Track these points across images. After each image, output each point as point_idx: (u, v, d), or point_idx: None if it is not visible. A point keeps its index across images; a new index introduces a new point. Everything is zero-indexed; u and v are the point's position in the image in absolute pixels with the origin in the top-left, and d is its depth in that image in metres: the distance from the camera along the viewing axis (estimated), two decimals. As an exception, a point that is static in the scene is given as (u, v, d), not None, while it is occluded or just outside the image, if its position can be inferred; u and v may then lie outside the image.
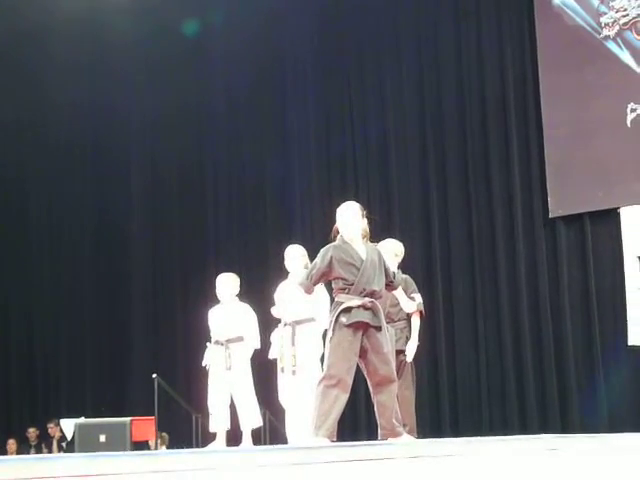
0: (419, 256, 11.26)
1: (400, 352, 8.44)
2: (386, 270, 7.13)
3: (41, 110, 14.86)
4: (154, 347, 13.78)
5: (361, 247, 7.01)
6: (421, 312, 8.60)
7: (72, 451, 11.93)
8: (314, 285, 7.15)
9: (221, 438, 9.51)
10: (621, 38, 10.76)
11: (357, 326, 6.85)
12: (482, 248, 11.39)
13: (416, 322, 8.51)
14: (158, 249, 14.17)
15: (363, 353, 6.90)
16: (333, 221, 7.17)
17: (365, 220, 7.12)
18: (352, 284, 6.90)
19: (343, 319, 6.83)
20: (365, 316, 6.87)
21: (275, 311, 8.85)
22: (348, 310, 6.84)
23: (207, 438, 10.20)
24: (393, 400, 6.98)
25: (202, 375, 9.88)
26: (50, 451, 13.27)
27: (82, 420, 11.77)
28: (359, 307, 6.85)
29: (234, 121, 13.55)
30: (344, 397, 6.86)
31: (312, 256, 8.28)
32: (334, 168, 12.67)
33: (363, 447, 6.26)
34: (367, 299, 6.88)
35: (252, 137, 13.37)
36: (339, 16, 12.81)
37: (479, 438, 8.24)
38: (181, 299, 13.56)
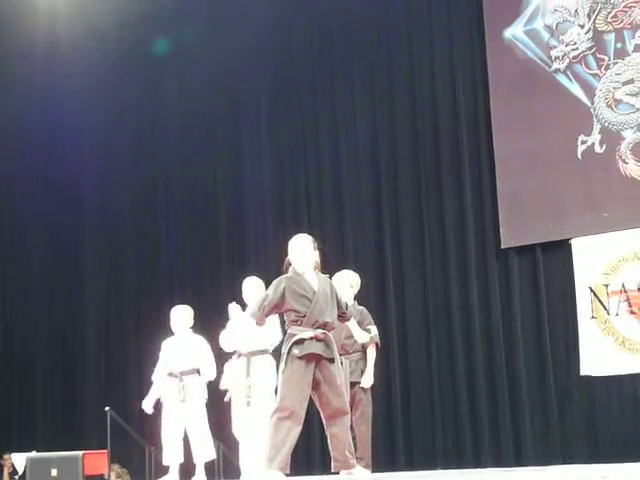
0: (372, 287, 11.27)
1: (354, 384, 8.44)
2: (338, 301, 7.14)
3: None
4: (106, 379, 13.67)
5: (313, 278, 7.02)
6: (377, 344, 8.61)
7: (23, 485, 11.81)
8: (266, 317, 7.14)
9: (174, 471, 9.47)
10: (571, 71, 10.89)
11: (310, 358, 6.85)
12: (435, 278, 11.42)
13: (372, 354, 8.52)
14: (111, 282, 14.08)
15: (316, 385, 6.89)
16: (286, 253, 7.18)
17: (317, 252, 7.13)
18: (304, 316, 6.90)
19: (295, 351, 6.82)
20: (318, 348, 6.87)
21: (224, 344, 8.83)
22: (300, 342, 6.84)
23: (160, 471, 10.13)
24: (346, 432, 6.97)
25: (156, 407, 9.83)
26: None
27: (33, 454, 11.64)
28: (312, 339, 6.85)
29: (187, 151, 13.53)
30: (297, 429, 6.84)
31: (267, 288, 8.29)
32: (288, 200, 12.67)
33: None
34: (320, 331, 6.88)
35: (205, 168, 13.36)
36: (292, 41, 12.83)
37: (430, 472, 8.26)
38: (134, 331, 13.48)
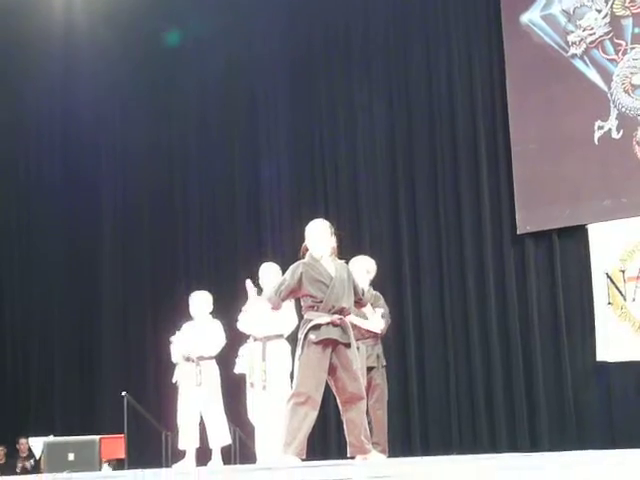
0: (389, 273, 11.27)
1: (371, 369, 8.46)
2: (355, 287, 7.16)
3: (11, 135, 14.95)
4: (124, 364, 13.71)
5: (330, 264, 7.04)
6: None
7: (38, 470, 11.88)
8: (282, 301, 7.17)
9: (190, 456, 9.50)
10: (588, 56, 10.85)
11: (326, 343, 6.87)
12: (451, 264, 11.42)
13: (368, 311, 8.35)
14: (128, 267, 14.10)
15: (332, 370, 6.91)
16: (303, 239, 7.19)
17: (334, 237, 7.15)
18: (321, 301, 6.93)
19: (312, 336, 6.85)
20: (334, 333, 6.89)
21: (243, 326, 8.86)
22: (317, 327, 6.86)
23: (177, 456, 10.17)
24: (362, 417, 7.00)
25: (172, 392, 9.87)
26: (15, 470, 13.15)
27: (51, 438, 11.71)
28: (328, 324, 6.88)
29: (205, 137, 13.54)
30: (313, 414, 6.87)
31: (284, 273, 8.32)
32: (304, 187, 12.67)
33: (328, 467, 6.26)
34: (336, 316, 6.90)
35: (222, 155, 13.35)
36: (310, 37, 12.81)
37: (446, 457, 8.27)
38: (151, 316, 13.51)
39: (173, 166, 13.87)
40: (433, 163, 11.72)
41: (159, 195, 13.89)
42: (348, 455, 7.09)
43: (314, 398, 6.85)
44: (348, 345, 6.94)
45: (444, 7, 11.89)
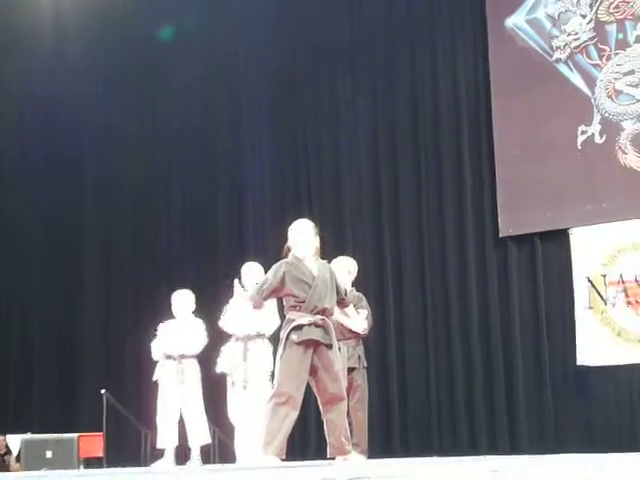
0: (370, 274, 11.27)
1: (352, 370, 8.47)
2: (338, 287, 7.16)
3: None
4: (104, 362, 13.67)
5: (313, 264, 7.04)
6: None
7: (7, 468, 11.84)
8: (264, 301, 7.16)
9: (169, 455, 9.49)
10: (572, 61, 10.88)
11: (308, 344, 6.87)
12: (433, 266, 11.43)
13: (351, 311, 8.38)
14: (110, 264, 14.06)
15: (313, 371, 6.92)
16: (285, 238, 7.19)
17: (317, 237, 7.15)
18: (303, 301, 6.93)
19: (294, 336, 6.85)
20: (316, 334, 6.89)
21: (225, 326, 8.86)
22: (299, 327, 6.86)
23: (156, 455, 10.15)
24: (343, 418, 7.00)
25: (152, 391, 9.86)
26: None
27: (28, 435, 11.67)
28: (310, 325, 6.87)
29: (189, 135, 13.51)
30: (294, 415, 6.87)
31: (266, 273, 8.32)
32: (287, 186, 12.66)
33: (307, 468, 6.26)
34: (318, 317, 6.90)
35: (205, 151, 13.33)
36: (295, 38, 12.79)
37: (425, 459, 8.27)
38: (133, 314, 13.46)
39: (155, 163, 13.81)
40: (416, 165, 11.73)
41: (141, 193, 13.84)
42: (328, 456, 7.09)
43: (295, 398, 6.85)
44: (330, 346, 6.94)
45: (429, 9, 11.90)
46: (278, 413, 6.80)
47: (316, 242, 7.12)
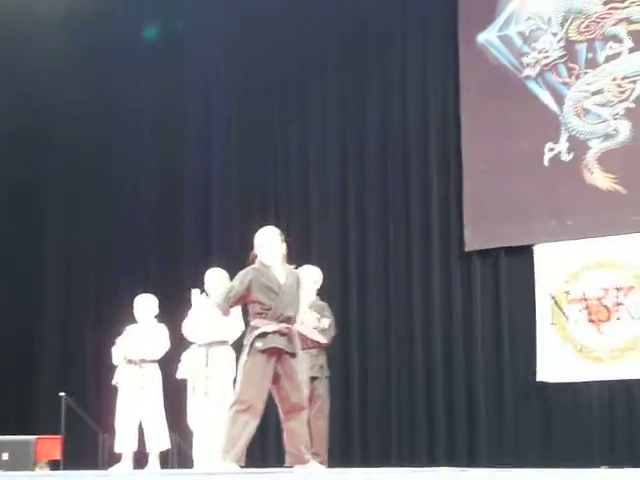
0: (335, 284, 11.27)
1: (314, 379, 8.48)
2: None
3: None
4: (64, 365, 13.58)
5: (280, 271, 7.04)
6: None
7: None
8: (231, 307, 7.15)
9: (127, 459, 9.45)
10: (542, 79, 10.95)
11: (272, 352, 6.87)
12: (398, 277, 11.45)
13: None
14: (72, 267, 13.97)
15: (276, 379, 6.91)
16: (251, 246, 7.19)
17: (284, 244, 7.15)
18: (269, 309, 6.92)
19: (258, 344, 6.84)
20: (281, 342, 6.89)
21: (187, 332, 8.84)
22: (264, 335, 6.85)
23: (113, 459, 10.10)
24: (303, 427, 7.00)
25: (112, 395, 9.81)
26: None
27: (-17, 437, 11.57)
28: (275, 333, 6.87)
29: (157, 139, 13.46)
30: (254, 423, 6.86)
31: (232, 279, 8.31)
32: (254, 193, 12.65)
33: (266, 475, 6.25)
34: (283, 325, 6.90)
35: (174, 157, 13.29)
36: (264, 41, 12.79)
37: (383, 469, 8.29)
38: (94, 317, 13.40)
39: (123, 162, 13.73)
40: (384, 177, 11.75)
41: (105, 194, 13.77)
42: (286, 464, 7.08)
43: (256, 406, 6.84)
44: (293, 355, 6.94)
45: (401, 22, 11.93)
46: (238, 421, 6.79)
47: (283, 249, 7.13)
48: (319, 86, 12.38)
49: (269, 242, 7.09)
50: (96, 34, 13.52)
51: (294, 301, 7.00)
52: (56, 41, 13.70)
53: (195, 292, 8.77)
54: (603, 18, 10.68)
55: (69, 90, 13.79)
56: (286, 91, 12.62)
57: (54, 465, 11.47)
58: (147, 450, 9.56)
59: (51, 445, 11.45)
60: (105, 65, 13.61)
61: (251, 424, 6.84)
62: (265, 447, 11.34)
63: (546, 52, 10.96)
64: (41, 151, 14.21)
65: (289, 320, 6.94)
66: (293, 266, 7.28)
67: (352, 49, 12.22)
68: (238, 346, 8.80)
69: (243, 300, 7.07)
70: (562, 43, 10.89)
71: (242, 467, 6.83)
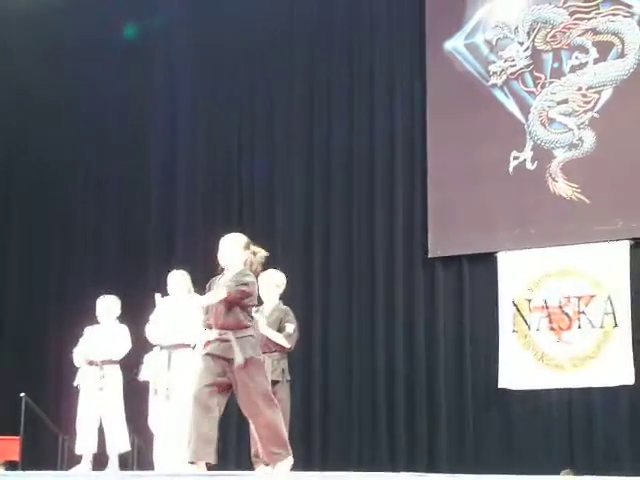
0: (299, 288, 11.27)
1: (275, 383, 8.45)
2: None
3: None
4: (24, 365, 13.48)
5: None
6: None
7: None
8: (236, 297, 6.93)
9: (87, 461, 9.40)
10: (508, 87, 11.03)
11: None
12: (361, 282, 11.47)
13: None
14: (35, 265, 13.88)
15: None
16: (214, 248, 7.17)
17: (247, 251, 7.08)
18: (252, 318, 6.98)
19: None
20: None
21: (150, 334, 8.82)
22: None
23: (73, 460, 10.05)
24: (261, 431, 6.96)
25: (72, 395, 9.76)
26: None
27: (-60, 436, 11.49)
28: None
29: (122, 140, 13.41)
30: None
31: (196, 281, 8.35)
32: (218, 196, 12.62)
33: (223, 477, 6.24)
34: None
35: (138, 160, 13.24)
36: (230, 48, 12.78)
37: (342, 473, 8.30)
38: (55, 317, 13.32)
39: (86, 167, 13.68)
40: (349, 182, 11.77)
41: (70, 194, 13.70)
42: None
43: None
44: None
45: (369, 30, 11.96)
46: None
47: (245, 255, 7.06)
48: (286, 92, 12.37)
49: (224, 248, 7.08)
50: (61, 33, 13.53)
51: None
52: (25, 40, 13.70)
53: (157, 296, 8.75)
54: (569, 28, 10.78)
55: (39, 87, 13.78)
56: (253, 100, 12.61)
57: (12, 466, 11.39)
58: (107, 452, 9.50)
59: (9, 445, 11.41)
60: (72, 64, 13.58)
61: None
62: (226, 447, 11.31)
63: (512, 61, 11.03)
64: (8, 146, 14.14)
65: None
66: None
67: (319, 55, 12.24)
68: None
69: (245, 297, 6.92)
70: (528, 52, 10.97)
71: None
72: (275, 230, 12.08)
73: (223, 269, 7.05)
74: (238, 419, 11.06)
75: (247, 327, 6.86)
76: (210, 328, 6.89)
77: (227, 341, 6.76)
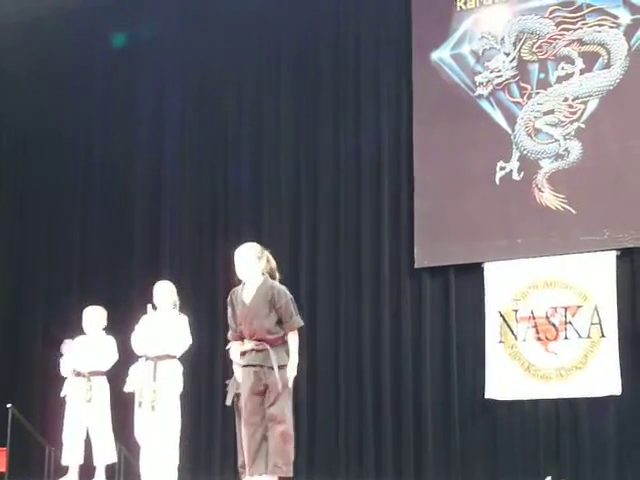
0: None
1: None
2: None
3: None
4: (10, 376, 13.44)
5: (251, 290, 7.13)
6: None
7: None
8: None
9: (73, 472, 9.39)
10: (494, 98, 11.04)
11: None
12: (348, 293, 11.46)
13: None
14: (21, 277, 13.84)
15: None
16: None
17: (262, 260, 7.20)
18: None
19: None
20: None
21: (135, 345, 8.80)
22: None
23: (60, 471, 10.02)
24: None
25: (59, 406, 9.74)
26: None
27: None
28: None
29: (109, 149, 13.39)
30: None
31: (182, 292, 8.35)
32: (205, 207, 12.61)
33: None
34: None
35: (125, 168, 13.22)
36: (218, 59, 12.79)
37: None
38: (42, 328, 13.28)
39: (72, 177, 13.65)
40: (335, 192, 11.77)
41: (57, 205, 13.67)
42: None
43: None
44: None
45: (355, 39, 11.96)
46: None
47: (261, 265, 7.18)
48: (273, 101, 12.37)
49: (238, 261, 7.18)
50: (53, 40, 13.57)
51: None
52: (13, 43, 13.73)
53: (149, 306, 8.78)
54: (555, 39, 10.80)
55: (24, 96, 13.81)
56: (240, 107, 12.62)
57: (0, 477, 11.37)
58: (94, 463, 9.49)
59: (-4, 456, 11.37)
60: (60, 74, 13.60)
61: None
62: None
63: (499, 71, 11.05)
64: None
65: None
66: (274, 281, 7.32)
67: (305, 64, 12.25)
68: (185, 360, 8.82)
69: None
70: (514, 63, 10.99)
71: None
72: (261, 239, 12.01)
73: (241, 281, 7.13)
74: (222, 429, 11.11)
75: (281, 337, 7.04)
76: (241, 339, 6.97)
77: (264, 350, 6.96)
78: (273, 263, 7.26)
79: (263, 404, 7.01)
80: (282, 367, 7.02)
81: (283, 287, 7.23)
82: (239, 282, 7.22)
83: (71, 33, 13.50)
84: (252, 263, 7.12)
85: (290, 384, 7.11)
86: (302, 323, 7.23)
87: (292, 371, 7.12)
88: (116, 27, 13.36)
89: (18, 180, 14.04)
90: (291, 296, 7.29)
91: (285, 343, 7.10)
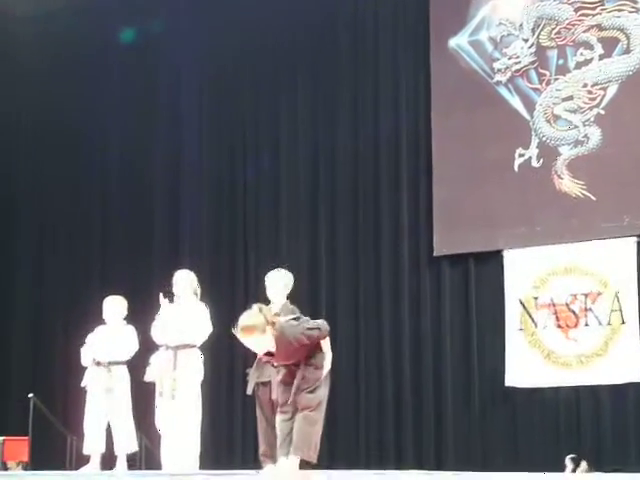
0: (306, 288, 11.26)
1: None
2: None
3: None
4: (32, 366, 13.51)
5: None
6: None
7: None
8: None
9: (95, 461, 9.40)
10: (512, 84, 11.01)
11: None
12: (367, 283, 11.47)
13: None
14: (43, 270, 13.90)
15: None
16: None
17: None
18: None
19: None
20: None
21: (155, 335, 8.81)
22: None
23: (81, 461, 10.06)
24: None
25: (80, 396, 9.76)
26: None
27: (-48, 437, 11.51)
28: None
29: (127, 144, 13.41)
30: None
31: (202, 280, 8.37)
32: (225, 201, 12.60)
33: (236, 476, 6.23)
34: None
35: (144, 161, 13.24)
36: (234, 49, 12.78)
37: (347, 472, 8.29)
38: (63, 318, 13.34)
39: (93, 171, 13.68)
40: (354, 181, 11.77)
41: (76, 199, 13.71)
42: None
43: None
44: None
45: (373, 27, 11.96)
46: None
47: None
48: (291, 90, 12.37)
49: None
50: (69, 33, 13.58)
51: None
52: (34, 39, 13.76)
53: (161, 296, 8.75)
54: (574, 25, 10.75)
55: (42, 90, 13.84)
56: (258, 99, 12.61)
57: (27, 466, 11.43)
58: (115, 452, 9.51)
59: (19, 446, 11.42)
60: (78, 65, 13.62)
61: None
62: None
63: (517, 58, 11.01)
64: (10, 149, 14.17)
65: None
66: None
67: (324, 52, 12.24)
68: (205, 349, 8.83)
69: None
70: (533, 49, 10.95)
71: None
72: (280, 230, 12.08)
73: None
74: (243, 418, 11.13)
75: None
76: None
77: None
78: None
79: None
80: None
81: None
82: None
83: (86, 26, 13.50)
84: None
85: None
86: (326, 326, 7.08)
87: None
88: (131, 20, 13.37)
89: (37, 173, 14.07)
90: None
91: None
